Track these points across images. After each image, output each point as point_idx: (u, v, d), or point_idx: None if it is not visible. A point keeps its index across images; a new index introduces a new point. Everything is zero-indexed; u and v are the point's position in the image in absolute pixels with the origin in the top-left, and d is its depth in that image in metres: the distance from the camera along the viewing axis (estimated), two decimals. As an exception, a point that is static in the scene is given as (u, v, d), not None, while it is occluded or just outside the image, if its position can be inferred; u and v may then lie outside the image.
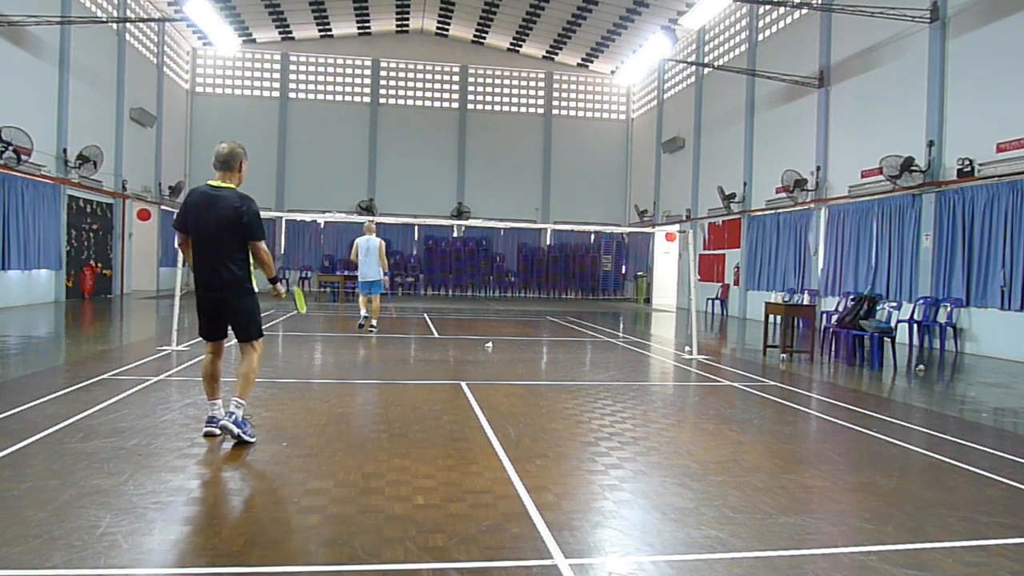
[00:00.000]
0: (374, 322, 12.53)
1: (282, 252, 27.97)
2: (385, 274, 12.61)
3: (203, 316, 5.02)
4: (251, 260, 4.93)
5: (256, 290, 4.99)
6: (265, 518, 3.52)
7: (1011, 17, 11.95)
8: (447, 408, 6.36)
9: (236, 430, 4.72)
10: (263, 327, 5.15)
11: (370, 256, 12.28)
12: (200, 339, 5.21)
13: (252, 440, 4.81)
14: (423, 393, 7.11)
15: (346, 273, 22.27)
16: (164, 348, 9.36)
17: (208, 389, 5.07)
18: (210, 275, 4.84)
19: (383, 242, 12.57)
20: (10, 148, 14.97)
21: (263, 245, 4.91)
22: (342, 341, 11.63)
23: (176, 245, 5.20)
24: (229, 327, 5.05)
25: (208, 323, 5.03)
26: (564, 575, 2.98)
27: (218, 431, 4.89)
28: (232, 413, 4.76)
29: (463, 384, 7.57)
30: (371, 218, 13.24)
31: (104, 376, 7.26)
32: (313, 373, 8.43)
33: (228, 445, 4.82)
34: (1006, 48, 12.03)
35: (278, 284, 5.15)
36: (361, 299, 12.67)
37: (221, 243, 4.79)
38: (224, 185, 4.91)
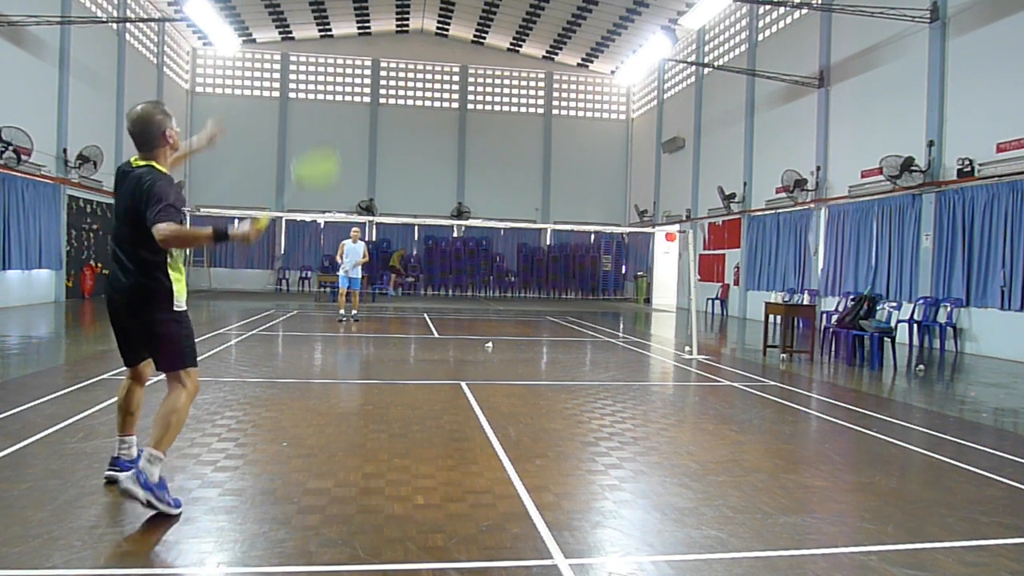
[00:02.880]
0: (355, 311, 14.64)
1: (282, 252, 27.97)
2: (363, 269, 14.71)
3: (114, 330, 3.80)
4: (170, 262, 3.61)
5: (180, 308, 3.63)
6: (265, 518, 3.52)
7: (1011, 17, 11.95)
8: (447, 408, 6.36)
9: (141, 493, 3.35)
10: (194, 354, 3.73)
11: (353, 258, 14.32)
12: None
13: (174, 511, 3.46)
14: (423, 393, 7.11)
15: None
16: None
17: (119, 422, 3.91)
18: (112, 276, 3.67)
19: (366, 247, 14.70)
20: (10, 148, 14.97)
21: (164, 228, 3.35)
22: (342, 341, 11.64)
23: None
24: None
25: (119, 340, 3.82)
26: (564, 575, 2.98)
27: (120, 477, 3.48)
28: (140, 471, 3.38)
29: (463, 384, 7.57)
30: (355, 228, 14.95)
31: (104, 376, 7.26)
32: (313, 373, 8.43)
33: (229, 445, 4.82)
34: (1006, 48, 12.03)
35: (231, 230, 3.52)
36: (341, 294, 14.62)
37: (123, 234, 3.60)
38: (142, 163, 3.69)
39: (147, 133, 3.71)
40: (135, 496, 3.35)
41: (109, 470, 3.89)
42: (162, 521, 3.42)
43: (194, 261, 27.09)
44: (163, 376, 3.70)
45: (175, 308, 3.60)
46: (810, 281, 17.39)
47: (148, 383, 4.04)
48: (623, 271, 30.09)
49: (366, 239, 28.03)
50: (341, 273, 14.51)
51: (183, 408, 3.59)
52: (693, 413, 6.68)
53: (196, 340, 3.83)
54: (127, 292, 3.58)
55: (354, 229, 14.84)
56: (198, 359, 3.81)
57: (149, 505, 3.38)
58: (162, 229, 3.35)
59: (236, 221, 3.64)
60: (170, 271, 3.60)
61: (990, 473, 4.69)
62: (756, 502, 3.96)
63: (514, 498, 3.92)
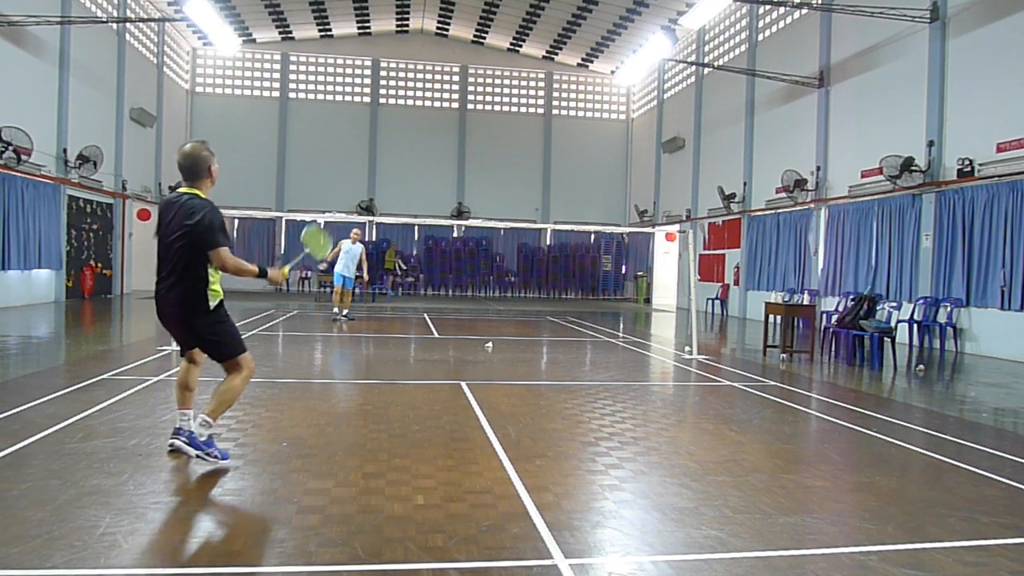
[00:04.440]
0: (346, 311, 14.72)
1: (282, 252, 27.96)
2: (359, 274, 14.91)
3: (166, 328, 4.50)
4: (211, 276, 4.28)
5: (213, 306, 4.30)
6: (265, 518, 3.52)
7: (1011, 17, 11.95)
8: (447, 408, 6.36)
9: (192, 451, 4.27)
10: (241, 343, 4.47)
11: (350, 258, 14.50)
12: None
13: (221, 462, 4.29)
14: (423, 393, 7.11)
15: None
16: (164, 348, 9.36)
17: (178, 397, 4.62)
18: (162, 288, 4.28)
19: (364, 248, 14.86)
20: (10, 148, 14.97)
21: (226, 253, 4.18)
22: (342, 341, 11.64)
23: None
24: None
25: (172, 335, 4.55)
26: (564, 575, 2.98)
27: (175, 444, 4.39)
28: (192, 433, 4.31)
29: (463, 384, 7.57)
30: (356, 229, 15.16)
31: (104, 376, 7.26)
32: (313, 373, 8.43)
33: (230, 443, 4.82)
34: (1006, 48, 12.03)
35: (270, 272, 4.47)
36: (336, 292, 14.71)
37: (173, 251, 4.22)
38: (188, 191, 4.36)
39: (195, 167, 4.36)
40: (187, 453, 4.26)
41: (172, 438, 4.45)
42: (162, 521, 3.42)
43: (241, 267, 27.06)
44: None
45: (215, 310, 4.30)
46: (810, 281, 17.38)
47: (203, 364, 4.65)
48: (623, 271, 30.08)
49: (366, 239, 28.06)
50: (338, 273, 14.62)
51: (238, 388, 4.39)
52: (693, 413, 6.68)
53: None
54: (176, 303, 4.23)
55: (355, 230, 14.91)
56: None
57: (199, 458, 4.24)
58: (223, 254, 4.14)
59: (276, 262, 4.36)
60: (209, 282, 4.26)
61: (990, 473, 4.69)
62: (756, 502, 3.96)
63: (514, 498, 3.92)
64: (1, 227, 15.45)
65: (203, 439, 4.27)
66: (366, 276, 15.20)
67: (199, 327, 4.29)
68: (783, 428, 6.03)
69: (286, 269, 4.61)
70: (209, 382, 5.37)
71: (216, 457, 4.29)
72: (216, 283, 4.32)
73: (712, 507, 3.86)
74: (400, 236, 28.75)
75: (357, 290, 15.15)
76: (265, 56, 28.65)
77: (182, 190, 4.37)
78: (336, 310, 14.74)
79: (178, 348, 4.65)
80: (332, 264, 14.93)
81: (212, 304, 4.27)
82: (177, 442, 4.33)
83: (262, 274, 4.38)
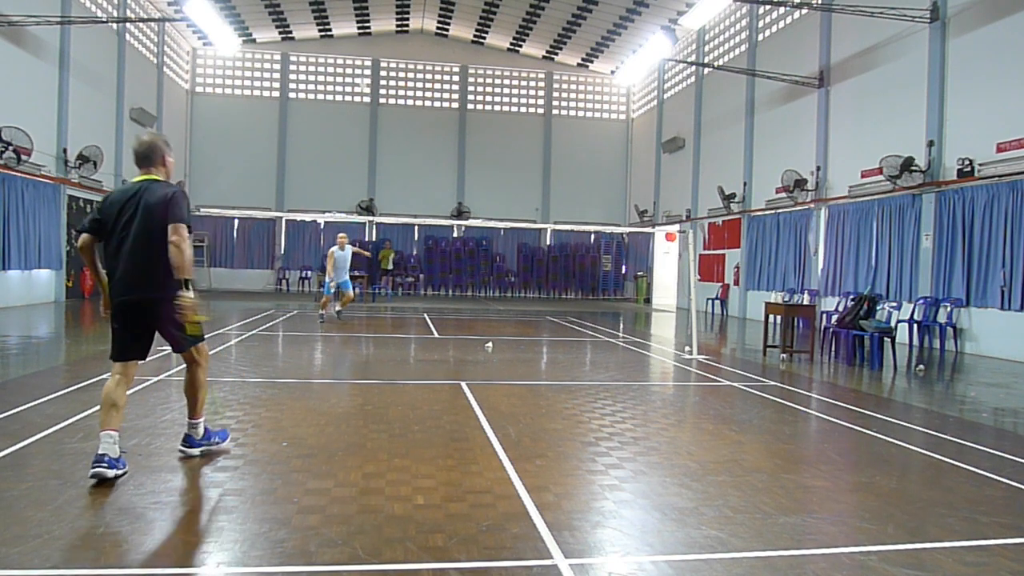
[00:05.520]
0: (339, 308, 14.96)
1: (282, 252, 27.97)
2: (359, 274, 15.38)
3: (119, 329, 4.25)
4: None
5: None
6: (265, 518, 3.52)
7: (1011, 17, 11.95)
8: (447, 408, 6.36)
9: (196, 451, 4.48)
10: (202, 333, 4.44)
11: (344, 265, 14.57)
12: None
13: (227, 446, 4.66)
14: (423, 393, 7.11)
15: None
16: (164, 348, 9.33)
17: (104, 417, 4.08)
18: (123, 278, 4.14)
19: (351, 248, 15.00)
20: (10, 148, 14.97)
21: (182, 229, 4.06)
22: (342, 341, 11.64)
23: (78, 246, 4.34)
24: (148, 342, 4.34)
25: (124, 337, 4.25)
26: (564, 575, 2.98)
27: (105, 471, 3.89)
28: (189, 436, 4.52)
29: (463, 384, 7.57)
30: (342, 234, 15.09)
31: (104, 376, 7.24)
32: (313, 373, 8.43)
33: (229, 446, 4.82)
34: (1006, 48, 12.03)
35: (190, 292, 4.06)
36: (345, 298, 14.78)
37: (139, 239, 4.11)
38: (145, 178, 4.29)
39: (150, 153, 4.32)
40: (192, 456, 4.39)
41: (94, 466, 3.90)
42: (162, 521, 3.42)
43: (194, 261, 27.08)
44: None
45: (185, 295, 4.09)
46: (810, 281, 17.39)
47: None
48: (623, 271, 30.09)
49: (367, 239, 28.08)
50: (330, 281, 14.38)
51: (204, 377, 4.52)
52: (693, 413, 6.68)
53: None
54: (150, 290, 4.11)
55: (340, 235, 14.83)
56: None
57: (205, 455, 4.44)
58: (182, 231, 4.03)
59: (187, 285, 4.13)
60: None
61: (990, 473, 4.69)
62: (756, 502, 3.96)
63: (514, 498, 3.92)
64: (1, 227, 15.45)
65: (200, 436, 4.53)
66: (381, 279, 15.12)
67: (172, 314, 4.04)
68: (783, 428, 6.03)
69: (191, 302, 4.06)
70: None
71: (219, 442, 4.60)
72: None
73: (712, 507, 3.86)
74: (400, 236, 28.75)
75: (357, 290, 15.14)
76: (265, 56, 28.65)
77: (137, 179, 4.28)
78: (338, 307, 14.91)
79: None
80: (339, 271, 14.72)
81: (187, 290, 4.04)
82: (97, 469, 3.85)
83: (186, 284, 4.02)
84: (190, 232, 4.15)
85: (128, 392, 4.28)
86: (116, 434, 3.99)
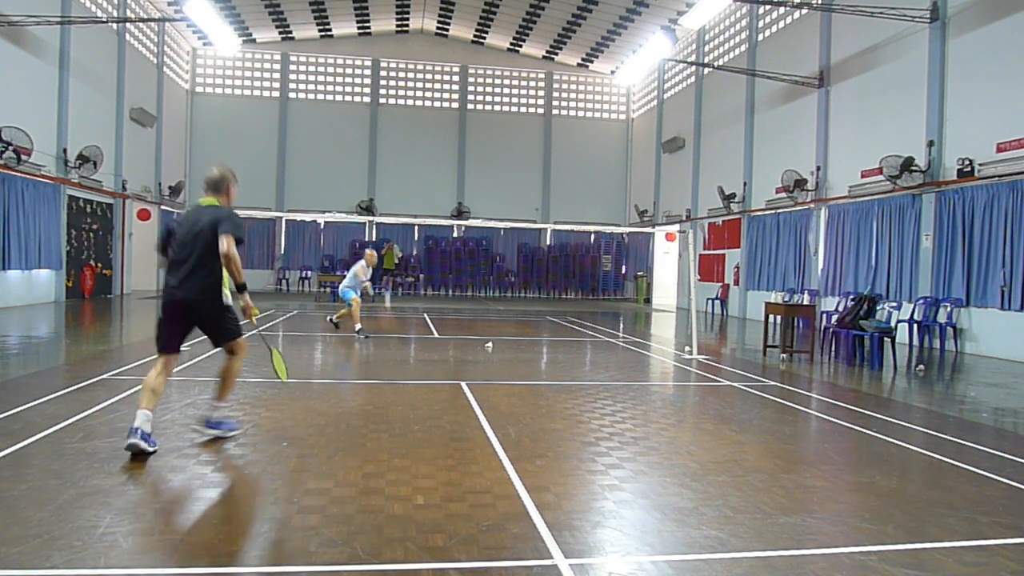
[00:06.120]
0: (335, 319, 13.03)
1: (282, 252, 27.97)
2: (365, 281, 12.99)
3: (168, 324, 4.87)
4: (222, 273, 4.79)
5: (227, 302, 4.90)
6: (265, 518, 3.52)
7: (1011, 17, 11.95)
8: (447, 408, 6.36)
9: (214, 431, 5.00)
10: (240, 330, 5.04)
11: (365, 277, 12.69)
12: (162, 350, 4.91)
13: (237, 431, 5.12)
14: (423, 393, 7.11)
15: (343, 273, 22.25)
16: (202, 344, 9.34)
17: (146, 398, 4.67)
18: (179, 282, 4.76)
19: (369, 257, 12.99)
20: (10, 148, 14.97)
21: (232, 241, 4.67)
22: (342, 341, 11.63)
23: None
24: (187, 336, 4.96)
25: (170, 332, 4.89)
26: (564, 575, 2.98)
27: (139, 443, 4.46)
28: (210, 419, 5.03)
29: (463, 384, 7.57)
30: (371, 251, 13.12)
31: (104, 376, 7.26)
32: (313, 373, 8.43)
33: (230, 445, 4.82)
34: (1006, 48, 12.03)
35: (246, 297, 4.80)
36: (356, 306, 12.37)
37: (197, 249, 4.75)
38: (210, 202, 4.97)
39: (219, 183, 5.03)
40: (144, 451, 4.47)
41: (130, 439, 4.48)
42: (162, 521, 3.42)
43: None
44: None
45: (224, 303, 4.87)
46: (810, 281, 17.38)
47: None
48: (623, 271, 30.09)
49: (367, 239, 28.08)
50: (350, 285, 12.49)
51: (238, 367, 5.14)
52: (693, 413, 6.68)
53: (195, 340, 4.81)
54: (196, 292, 4.74)
55: (370, 251, 13.09)
56: (204, 355, 4.98)
57: (220, 436, 4.96)
58: (231, 241, 4.63)
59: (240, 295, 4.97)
60: (223, 281, 4.83)
61: (990, 473, 4.69)
62: (756, 502, 3.96)
63: (514, 498, 3.92)
64: (1, 227, 15.45)
65: (217, 420, 5.01)
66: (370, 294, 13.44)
67: (213, 314, 4.83)
68: (783, 428, 6.04)
69: (253, 310, 4.87)
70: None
71: (232, 431, 5.06)
72: (226, 286, 4.88)
73: (712, 507, 3.86)
74: (400, 236, 28.75)
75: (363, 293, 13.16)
76: (265, 56, 28.65)
77: (204, 201, 5.01)
78: (358, 327, 12.18)
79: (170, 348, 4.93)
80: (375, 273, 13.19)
81: (223, 296, 4.84)
82: (134, 440, 4.41)
83: (242, 288, 4.76)
84: (239, 244, 4.71)
85: (161, 380, 4.78)
86: (151, 413, 4.59)
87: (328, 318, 13.62)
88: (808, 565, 3.14)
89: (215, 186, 5.02)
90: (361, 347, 10.82)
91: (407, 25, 28.68)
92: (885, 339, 10.12)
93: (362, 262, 12.81)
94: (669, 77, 27.02)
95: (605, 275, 29.69)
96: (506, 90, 30.31)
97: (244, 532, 3.34)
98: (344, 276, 13.43)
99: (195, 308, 4.81)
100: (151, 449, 4.48)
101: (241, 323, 5.01)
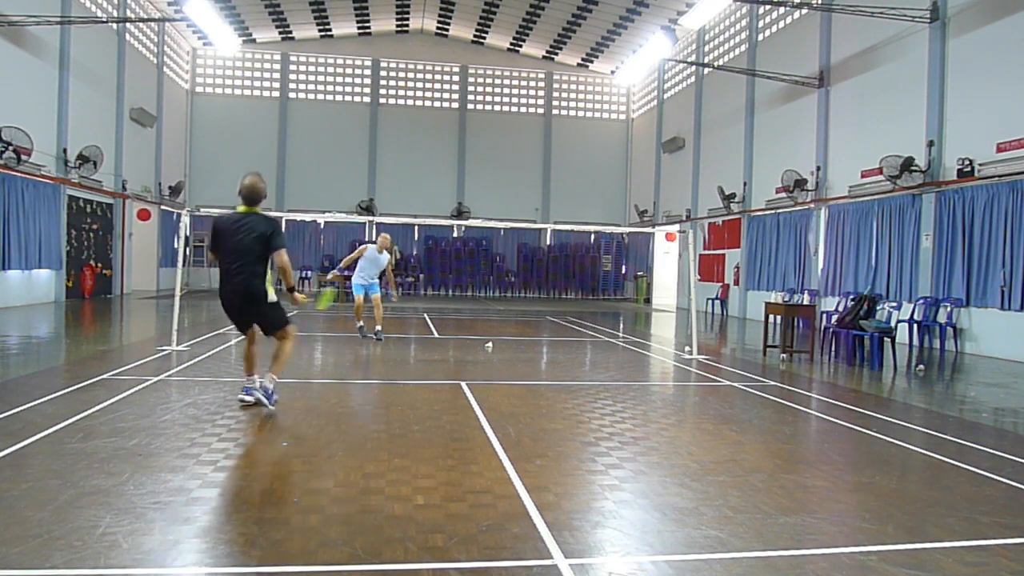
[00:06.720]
0: (378, 327, 11.69)
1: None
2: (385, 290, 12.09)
3: (229, 316, 6.03)
4: (269, 275, 5.86)
5: (272, 299, 5.88)
6: (265, 518, 3.52)
7: (1011, 17, 11.95)
8: (447, 408, 6.36)
9: (266, 399, 5.87)
10: (287, 317, 6.07)
11: (375, 268, 11.71)
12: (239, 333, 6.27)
13: (273, 406, 5.88)
14: (423, 393, 7.11)
15: (346, 273, 22.15)
16: (164, 348, 9.36)
17: (246, 366, 6.13)
18: (235, 282, 5.76)
19: (388, 254, 11.88)
20: (10, 148, 14.97)
21: (286, 255, 5.82)
22: (342, 341, 11.63)
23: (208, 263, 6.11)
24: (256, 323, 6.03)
25: (235, 320, 6.06)
26: (564, 575, 2.98)
27: (251, 399, 5.93)
28: (266, 388, 5.89)
29: (463, 384, 7.57)
30: (386, 234, 11.93)
31: (104, 376, 7.26)
32: (313, 373, 8.43)
33: (230, 445, 4.82)
34: (1006, 48, 12.03)
35: (297, 293, 6.08)
36: (357, 305, 11.72)
37: (248, 255, 5.74)
38: (251, 211, 5.90)
39: (256, 195, 5.93)
40: (264, 404, 5.84)
41: (244, 396, 6.03)
42: (162, 521, 3.43)
43: (194, 261, 27.12)
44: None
45: (271, 299, 5.85)
46: (810, 281, 17.38)
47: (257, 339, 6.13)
48: (623, 271, 30.09)
49: (366, 239, 28.06)
50: (357, 281, 11.67)
51: (290, 348, 6.08)
52: (693, 413, 6.68)
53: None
54: (247, 292, 5.74)
55: (384, 235, 11.93)
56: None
57: (268, 406, 5.85)
58: (285, 254, 5.78)
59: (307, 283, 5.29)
60: (267, 279, 5.84)
61: (990, 473, 4.69)
62: (756, 502, 3.96)
63: (514, 498, 3.92)
64: (1, 227, 15.45)
65: (272, 391, 5.86)
66: (395, 295, 12.59)
67: (262, 308, 5.83)
68: (783, 428, 6.04)
69: (302, 298, 6.13)
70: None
71: (272, 404, 5.87)
72: (270, 283, 5.85)
73: (712, 507, 3.86)
74: (400, 236, 28.72)
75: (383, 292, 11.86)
76: (265, 56, 28.64)
77: (244, 209, 5.86)
78: (360, 324, 11.55)
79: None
80: (348, 269, 12.19)
81: (271, 295, 5.82)
82: (256, 396, 5.85)
83: (292, 290, 6.02)
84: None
85: (252, 350, 6.11)
86: (256, 377, 5.98)
87: (358, 328, 11.61)
88: (808, 565, 3.14)
89: (252, 198, 5.87)
90: (361, 347, 10.82)
91: (407, 25, 28.68)
92: (885, 339, 10.12)
93: (372, 245, 11.59)
94: (669, 77, 27.02)
95: (605, 275, 29.69)
96: (506, 90, 30.31)
97: (244, 532, 3.34)
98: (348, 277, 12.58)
99: (247, 307, 5.81)
100: (268, 405, 5.80)
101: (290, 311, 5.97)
